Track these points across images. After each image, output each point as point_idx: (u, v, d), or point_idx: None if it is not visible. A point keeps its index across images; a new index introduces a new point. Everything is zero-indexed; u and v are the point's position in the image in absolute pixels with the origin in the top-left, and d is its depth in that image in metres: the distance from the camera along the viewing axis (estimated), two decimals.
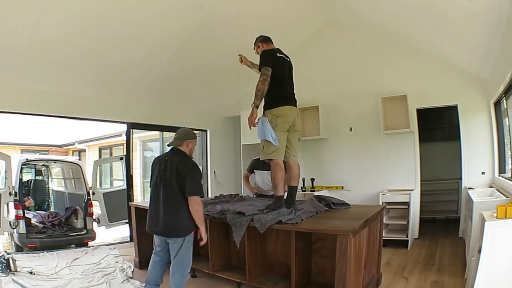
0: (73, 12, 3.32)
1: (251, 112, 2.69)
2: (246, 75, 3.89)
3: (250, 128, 2.76)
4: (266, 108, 2.79)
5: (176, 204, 2.41)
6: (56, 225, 5.04)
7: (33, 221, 5.03)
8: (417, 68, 4.70)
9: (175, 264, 2.49)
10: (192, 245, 2.53)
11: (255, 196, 3.87)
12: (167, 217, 2.41)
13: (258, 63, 3.22)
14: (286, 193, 2.91)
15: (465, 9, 2.96)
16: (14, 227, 4.27)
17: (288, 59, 2.94)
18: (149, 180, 2.68)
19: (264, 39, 3.02)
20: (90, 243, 4.75)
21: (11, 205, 4.32)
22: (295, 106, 2.87)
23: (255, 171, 4.02)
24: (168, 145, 2.67)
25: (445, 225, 5.36)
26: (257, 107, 2.68)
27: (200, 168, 6.33)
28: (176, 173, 2.40)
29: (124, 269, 3.51)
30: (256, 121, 2.72)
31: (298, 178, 2.92)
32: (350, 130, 5.25)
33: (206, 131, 6.32)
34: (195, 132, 2.75)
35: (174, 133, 2.68)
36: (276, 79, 2.73)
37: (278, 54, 2.85)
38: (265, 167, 3.95)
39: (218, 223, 3.08)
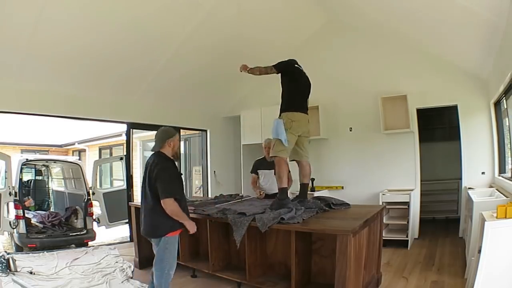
0: (73, 12, 3.32)
1: (247, 67, 3.05)
2: (246, 75, 3.88)
3: (241, 71, 3.09)
4: (283, 111, 2.98)
5: (151, 206, 2.45)
6: (56, 225, 5.03)
7: (33, 221, 5.03)
8: (417, 68, 4.70)
9: (155, 263, 2.51)
10: (176, 247, 2.52)
11: (262, 196, 3.84)
12: (145, 219, 2.51)
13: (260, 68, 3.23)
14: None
15: (465, 9, 2.96)
16: (14, 227, 4.27)
17: (307, 76, 3.14)
18: None
19: (290, 59, 3.22)
20: (90, 243, 4.74)
21: (11, 205, 4.32)
22: (307, 114, 3.06)
23: (258, 171, 4.02)
24: (151, 150, 2.64)
25: (445, 225, 5.35)
26: (252, 72, 3.03)
27: (200, 168, 6.39)
28: (149, 176, 2.44)
29: (124, 269, 3.51)
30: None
31: (309, 177, 3.15)
32: (350, 130, 5.26)
33: (206, 131, 6.33)
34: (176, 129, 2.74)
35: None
36: (295, 87, 3.00)
37: (296, 65, 3.10)
38: (268, 166, 3.96)
39: (218, 223, 3.08)
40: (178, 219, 2.42)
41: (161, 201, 2.35)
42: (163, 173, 2.39)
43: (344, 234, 2.13)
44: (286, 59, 3.10)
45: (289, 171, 3.13)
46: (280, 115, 2.98)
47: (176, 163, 2.63)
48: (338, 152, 5.35)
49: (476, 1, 2.82)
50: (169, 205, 2.35)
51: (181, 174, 2.68)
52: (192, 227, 2.50)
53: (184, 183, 2.78)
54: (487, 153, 4.28)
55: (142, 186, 2.58)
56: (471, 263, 2.56)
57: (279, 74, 3.05)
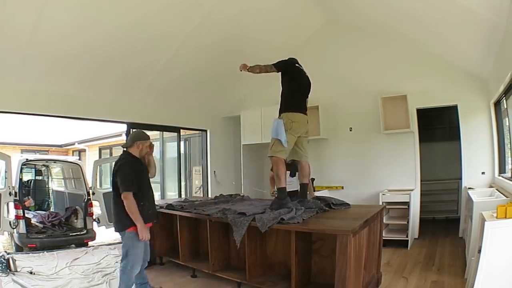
0: (73, 12, 3.32)
1: (246, 66, 3.10)
2: (246, 74, 3.88)
3: (241, 70, 3.12)
4: (282, 111, 2.98)
5: (115, 201, 2.57)
6: (56, 225, 5.02)
7: (33, 221, 5.02)
8: (417, 68, 4.70)
9: (121, 258, 2.62)
10: (141, 244, 2.57)
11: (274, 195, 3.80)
12: (113, 213, 2.66)
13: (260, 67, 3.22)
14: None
15: (465, 9, 2.96)
16: (14, 227, 4.26)
17: (307, 76, 3.15)
18: None
19: (291, 58, 3.23)
20: (90, 243, 4.74)
21: (11, 205, 4.31)
22: (306, 114, 3.07)
23: None
24: (122, 147, 2.79)
25: (445, 225, 5.36)
26: (252, 70, 3.08)
27: (200, 168, 6.38)
28: (113, 173, 2.60)
29: None
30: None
31: (309, 176, 3.18)
32: (350, 130, 5.26)
33: (206, 131, 6.32)
34: (147, 134, 2.85)
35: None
36: (295, 86, 3.01)
37: (296, 64, 3.11)
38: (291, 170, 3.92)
39: (218, 223, 3.08)
40: (131, 217, 2.46)
41: (121, 195, 2.45)
42: (122, 168, 2.53)
43: (344, 234, 2.13)
44: (286, 58, 3.11)
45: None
46: (279, 114, 2.98)
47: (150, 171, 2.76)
48: (338, 152, 5.35)
49: (476, 1, 2.82)
50: (126, 199, 2.45)
51: (145, 171, 2.73)
52: (142, 233, 2.49)
53: (149, 182, 2.77)
54: (487, 153, 4.28)
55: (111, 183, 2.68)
56: (471, 263, 2.56)
57: (279, 73, 3.06)
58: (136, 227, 2.49)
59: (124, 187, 2.46)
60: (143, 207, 2.53)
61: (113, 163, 2.77)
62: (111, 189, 2.64)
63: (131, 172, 2.55)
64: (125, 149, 2.73)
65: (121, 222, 2.53)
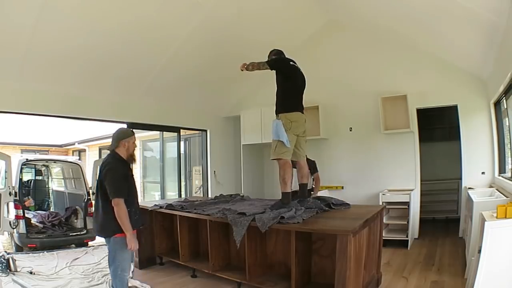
0: (72, 12, 3.32)
1: (245, 64, 3.01)
2: (246, 74, 3.88)
3: (241, 70, 3.05)
4: (280, 111, 2.96)
5: (101, 205, 2.47)
6: (56, 225, 5.03)
7: (33, 221, 5.02)
8: (417, 68, 4.70)
9: (109, 263, 2.54)
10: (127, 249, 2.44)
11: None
12: (97, 217, 2.54)
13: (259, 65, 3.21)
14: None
15: (465, 9, 2.96)
16: (14, 227, 4.26)
17: (302, 72, 3.11)
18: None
19: (278, 52, 3.22)
20: (90, 243, 4.74)
21: (11, 205, 4.32)
22: (303, 113, 3.05)
23: None
24: (107, 149, 2.69)
25: (445, 225, 5.36)
26: (247, 68, 3.02)
27: (200, 168, 6.39)
28: (99, 176, 2.49)
29: None
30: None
31: (308, 176, 3.18)
32: (350, 130, 5.26)
33: (206, 131, 6.32)
34: (130, 131, 2.73)
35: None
36: (291, 86, 2.98)
37: (291, 62, 3.06)
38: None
39: (218, 223, 3.08)
40: (121, 225, 2.36)
41: (112, 201, 2.36)
42: (110, 173, 2.42)
43: (344, 234, 2.13)
44: (277, 55, 3.09)
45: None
46: (277, 115, 2.96)
47: (133, 165, 2.66)
48: (338, 152, 5.35)
49: (477, 2, 2.82)
50: (117, 205, 2.35)
51: (132, 175, 2.64)
52: (131, 243, 2.39)
53: (135, 186, 2.68)
54: (487, 153, 4.28)
55: (96, 187, 2.57)
56: (471, 263, 2.56)
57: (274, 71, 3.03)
58: (123, 234, 2.39)
59: (116, 193, 2.36)
60: (130, 213, 2.43)
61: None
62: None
63: (121, 177, 2.45)
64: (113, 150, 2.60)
65: (110, 227, 2.41)
